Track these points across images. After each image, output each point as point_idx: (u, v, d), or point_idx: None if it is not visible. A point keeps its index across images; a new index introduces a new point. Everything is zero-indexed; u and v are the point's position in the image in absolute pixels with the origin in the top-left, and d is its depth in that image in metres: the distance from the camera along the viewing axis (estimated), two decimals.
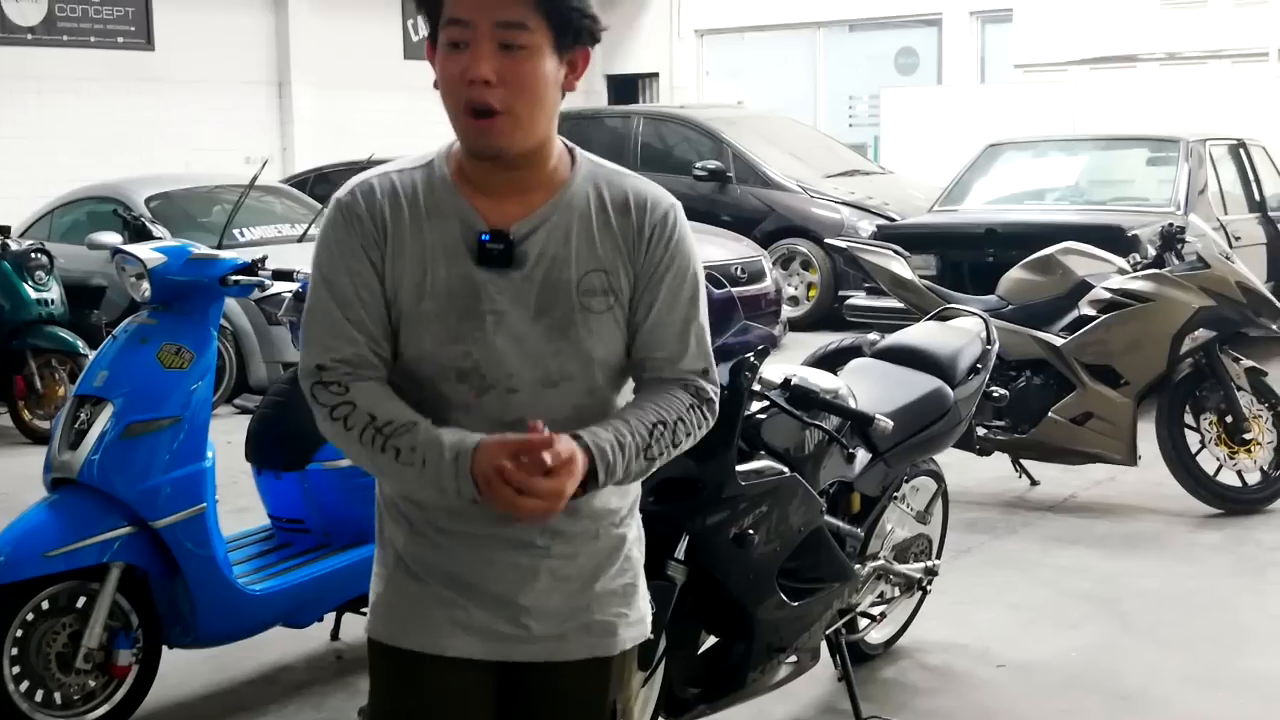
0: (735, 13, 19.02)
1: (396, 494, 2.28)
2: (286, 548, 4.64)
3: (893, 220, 11.70)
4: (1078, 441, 6.65)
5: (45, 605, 4.02)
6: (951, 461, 6.85)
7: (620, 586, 2.34)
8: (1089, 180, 10.68)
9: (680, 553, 3.45)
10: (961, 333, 4.81)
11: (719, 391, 2.33)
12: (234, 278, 4.20)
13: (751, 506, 3.50)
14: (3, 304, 8.59)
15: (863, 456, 4.11)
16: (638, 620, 2.37)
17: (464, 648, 2.26)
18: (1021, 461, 7.01)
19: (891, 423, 3.65)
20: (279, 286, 4.31)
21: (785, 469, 3.61)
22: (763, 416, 3.69)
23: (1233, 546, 6.14)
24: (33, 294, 8.55)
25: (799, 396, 3.59)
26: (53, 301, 8.60)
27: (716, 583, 3.55)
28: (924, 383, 4.44)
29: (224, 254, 4.32)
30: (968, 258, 9.35)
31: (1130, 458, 6.65)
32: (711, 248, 11.20)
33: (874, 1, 18.03)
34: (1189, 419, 6.66)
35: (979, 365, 4.72)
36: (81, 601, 4.05)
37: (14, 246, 8.69)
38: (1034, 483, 7.07)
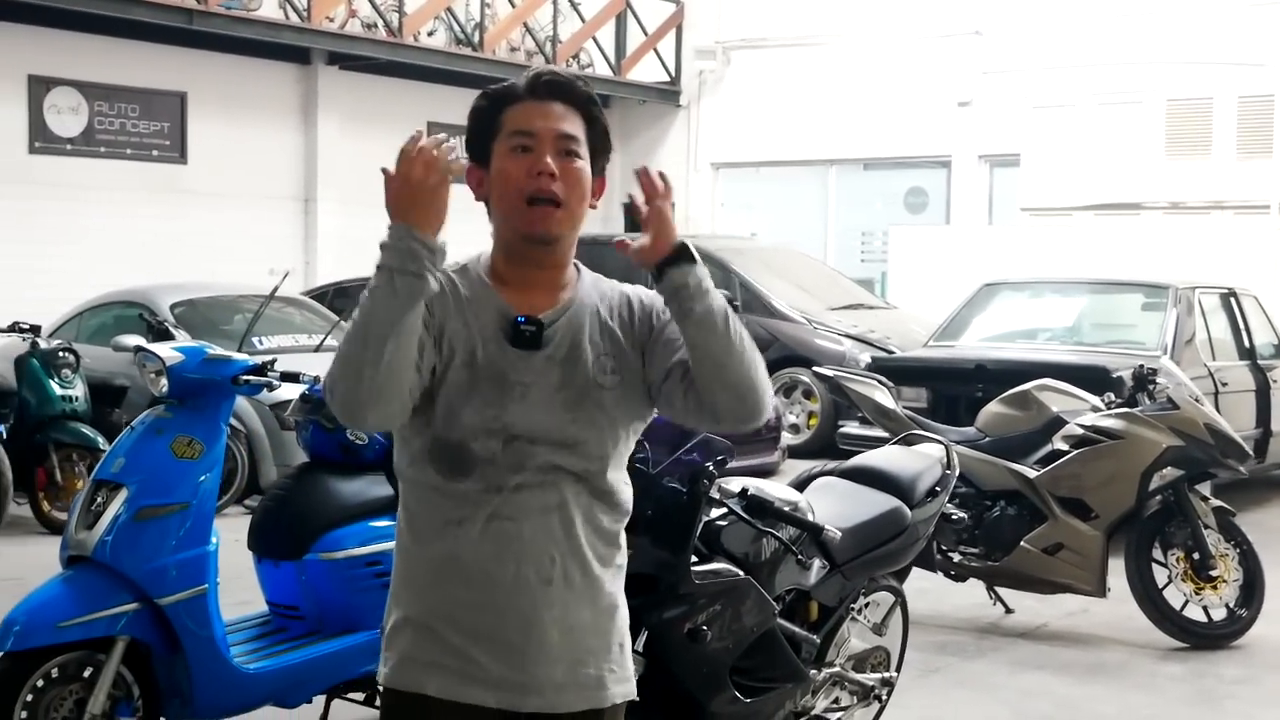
0: (751, 148, 19.58)
1: (419, 551, 2.57)
2: (282, 632, 4.92)
3: (891, 354, 12.04)
4: (1049, 571, 6.89)
5: (55, 673, 4.31)
6: (929, 587, 7.17)
7: (615, 644, 2.65)
8: (1081, 322, 11.02)
9: (639, 645, 3.74)
10: (923, 457, 5.12)
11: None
12: (245, 377, 4.56)
13: (706, 604, 3.80)
14: (29, 399, 8.97)
15: (820, 567, 4.40)
16: (625, 678, 2.68)
17: (477, 696, 2.53)
18: (996, 589, 7.26)
19: (839, 533, 3.96)
20: (287, 388, 4.65)
21: (740, 572, 3.92)
22: (723, 524, 4.00)
23: (1193, 679, 6.36)
24: (58, 390, 8.93)
25: (754, 505, 3.91)
26: (77, 398, 8.98)
27: (673, 675, 3.83)
28: (883, 501, 4.74)
29: (237, 355, 4.68)
30: (958, 391, 9.66)
31: (1100, 589, 6.88)
32: None
33: (885, 142, 18.55)
34: (1157, 554, 6.89)
35: (938, 488, 5.02)
36: (88, 671, 4.34)
37: (43, 345, 9.09)
38: (1008, 610, 7.30)
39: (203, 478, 4.51)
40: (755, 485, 4.06)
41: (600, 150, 2.64)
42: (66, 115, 14.77)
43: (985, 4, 17.74)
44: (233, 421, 9.58)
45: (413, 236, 2.40)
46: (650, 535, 3.65)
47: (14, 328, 9.16)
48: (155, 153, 15.51)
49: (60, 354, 9.03)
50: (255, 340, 10.74)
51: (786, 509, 4.03)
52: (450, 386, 2.53)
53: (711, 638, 3.81)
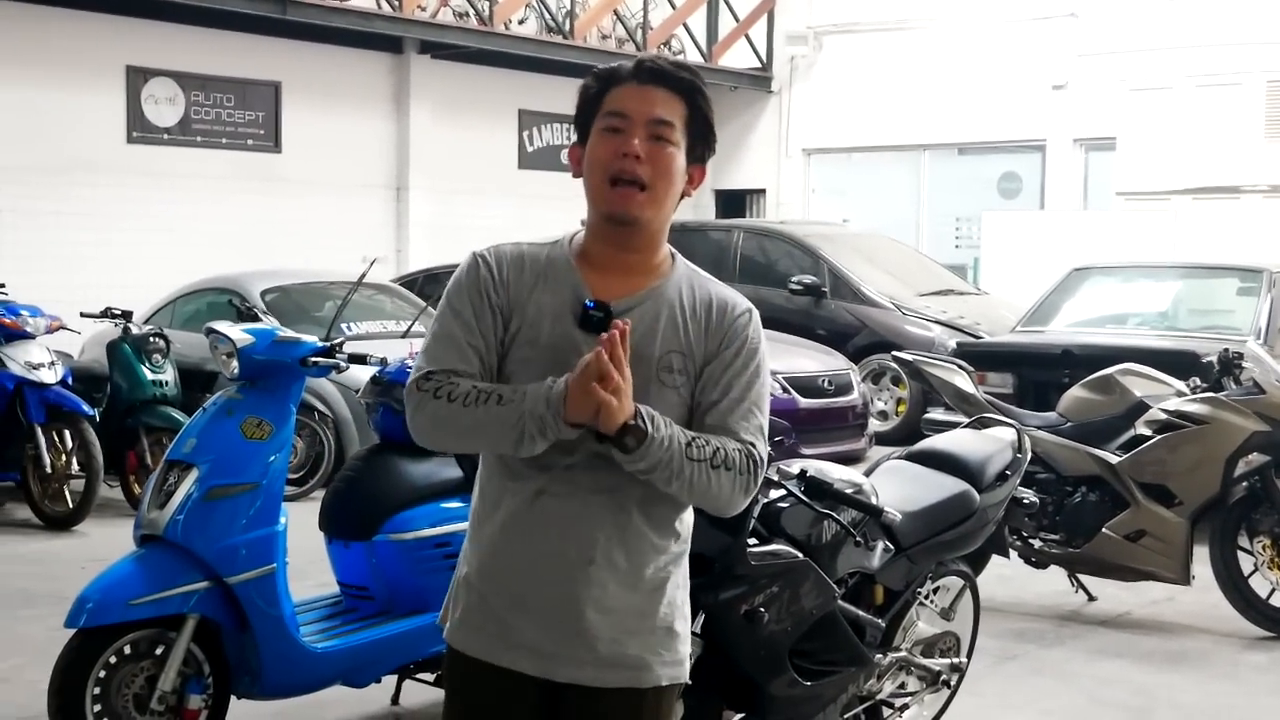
0: (842, 133, 19.45)
1: (477, 526, 2.67)
2: (352, 612, 4.99)
3: (979, 339, 11.91)
4: (1131, 559, 6.78)
5: (127, 650, 4.40)
6: (1010, 573, 7.10)
7: (660, 627, 2.67)
8: (1173, 307, 10.81)
9: (697, 626, 3.74)
10: (993, 440, 5.06)
11: (764, 466, 2.67)
12: (313, 359, 4.62)
13: (763, 586, 3.78)
14: (121, 383, 9.15)
15: (884, 550, 4.37)
16: (674, 661, 2.70)
17: (515, 661, 2.62)
18: (1078, 576, 7.16)
19: (899, 515, 3.92)
20: (355, 370, 4.70)
21: (799, 554, 3.90)
22: (784, 506, 3.98)
23: (1277, 669, 6.24)
24: (149, 375, 9.11)
25: (813, 487, 3.89)
26: (167, 383, 9.15)
27: (730, 657, 3.82)
28: (950, 485, 4.69)
29: (305, 337, 4.74)
30: (1045, 377, 9.53)
31: (1183, 577, 6.76)
32: (802, 359, 11.50)
33: (979, 126, 18.33)
34: (1243, 541, 6.77)
35: (1008, 472, 4.96)
36: (160, 649, 4.43)
37: (134, 331, 9.27)
38: (1091, 598, 7.20)
39: (272, 458, 4.57)
40: (815, 467, 4.03)
41: (700, 140, 2.66)
42: (164, 105, 15.03)
43: None
44: (319, 405, 9.81)
45: (561, 427, 2.50)
46: (706, 516, 3.64)
47: (107, 313, 9.34)
48: (250, 142, 15.74)
49: (151, 339, 9.21)
50: (344, 326, 10.87)
51: (847, 491, 4.01)
52: (514, 360, 2.60)
53: (769, 619, 3.79)
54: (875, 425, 12.06)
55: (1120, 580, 7.01)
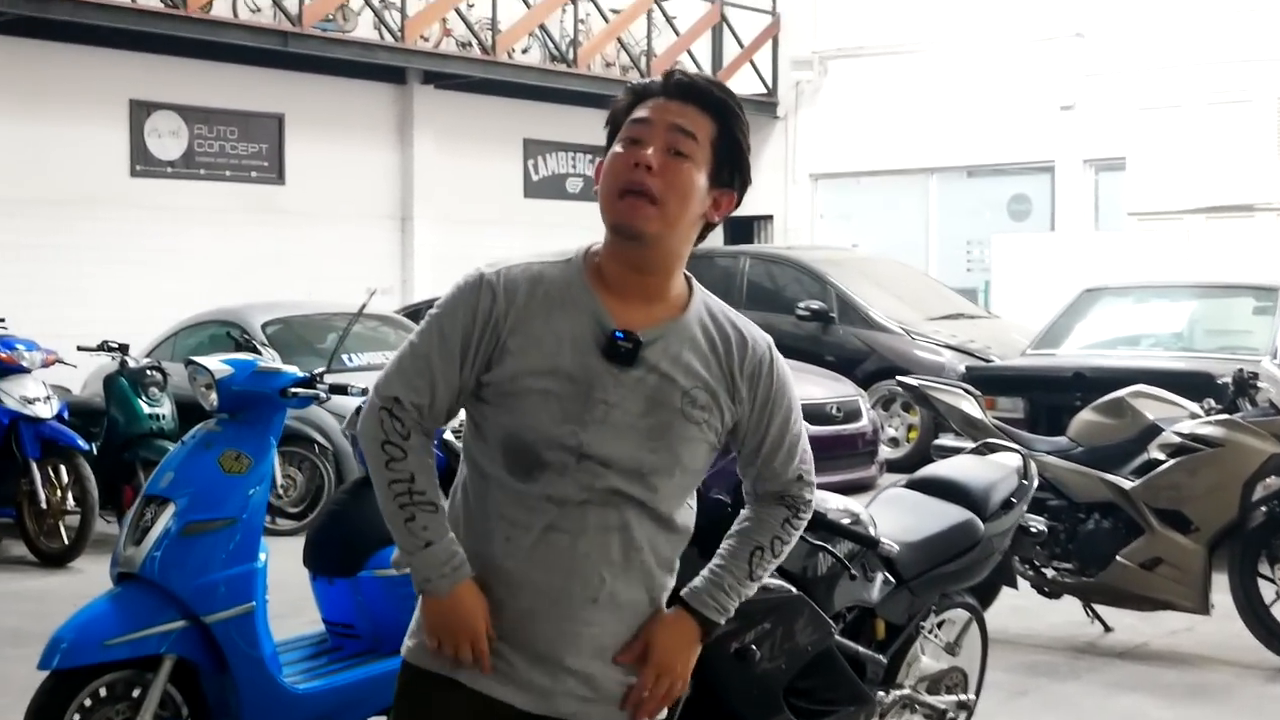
0: (849, 158, 19.33)
1: (468, 543, 2.52)
2: (337, 651, 4.84)
3: (989, 363, 11.75)
4: (1147, 587, 6.59)
5: (103, 692, 4.24)
6: (1024, 604, 6.92)
7: None
8: (1187, 327, 10.65)
9: None
10: (998, 467, 4.90)
11: (813, 489, 2.67)
12: (293, 390, 4.48)
13: (753, 622, 3.62)
14: (118, 417, 9.04)
15: (884, 583, 4.21)
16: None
17: (506, 694, 2.49)
18: (1093, 606, 6.97)
19: (897, 546, 3.76)
20: (337, 400, 4.56)
21: (791, 588, 3.73)
22: None
23: None
24: (146, 409, 9.00)
25: None
26: (164, 417, 9.03)
27: (721, 698, 3.66)
28: (953, 514, 4.53)
29: (285, 367, 4.61)
30: (1056, 401, 9.36)
31: (1202, 606, 6.56)
32: (810, 386, 11.34)
33: (987, 148, 18.20)
34: (1264, 568, 6.58)
35: (1014, 499, 4.80)
36: (136, 691, 4.27)
37: (131, 364, 9.16)
38: (1107, 629, 7.01)
39: (251, 492, 4.43)
40: None
41: (727, 162, 2.50)
42: (167, 139, 14.98)
43: (1087, 5, 17.34)
44: (318, 438, 9.68)
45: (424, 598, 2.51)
46: (694, 549, 3.49)
47: (103, 346, 9.24)
48: (254, 174, 15.68)
49: (148, 372, 9.11)
50: (345, 357, 10.76)
51: (842, 521, 3.85)
52: (530, 391, 2.43)
53: (761, 657, 3.63)
54: (886, 452, 11.90)
55: (1137, 610, 6.82)
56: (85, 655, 4.19)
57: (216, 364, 4.51)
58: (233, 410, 4.51)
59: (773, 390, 2.57)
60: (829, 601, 3.92)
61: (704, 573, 2.60)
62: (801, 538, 3.72)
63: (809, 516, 2.68)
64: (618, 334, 2.42)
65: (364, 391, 4.88)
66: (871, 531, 3.97)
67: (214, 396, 4.48)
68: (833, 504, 3.99)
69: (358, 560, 4.74)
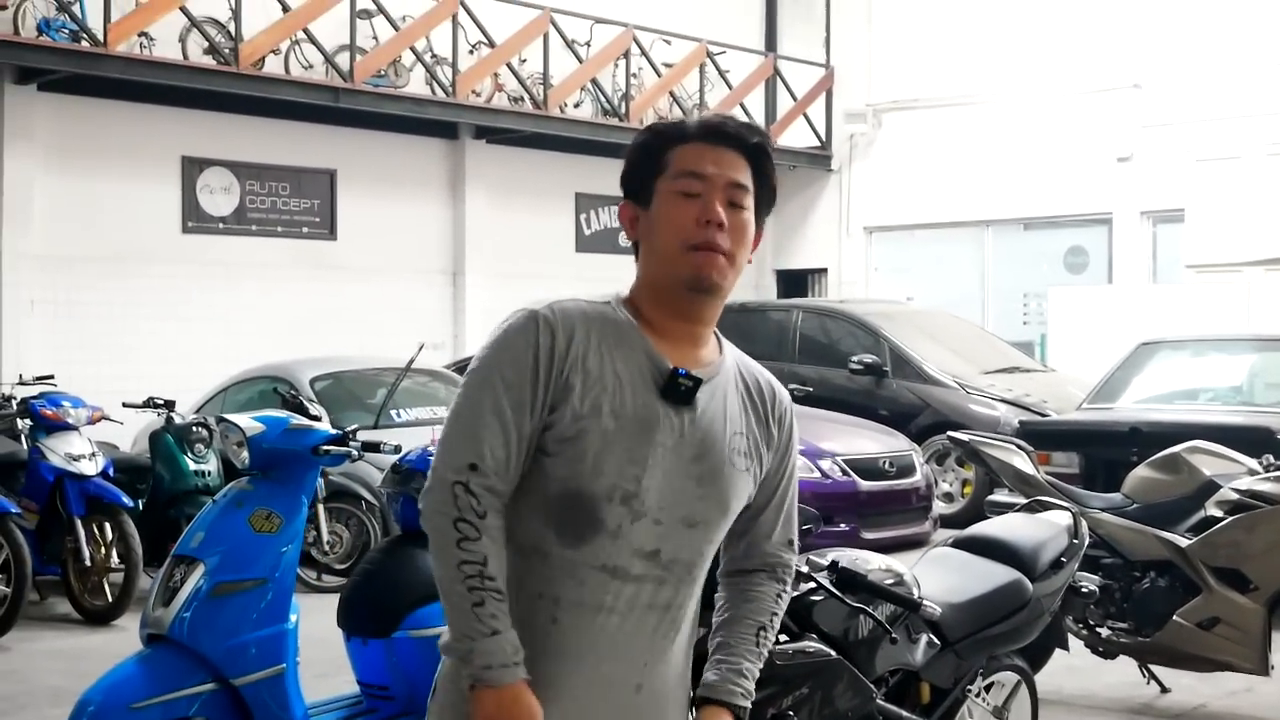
0: (904, 211, 19.21)
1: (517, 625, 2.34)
2: (372, 713, 4.75)
3: (1046, 417, 11.56)
4: (1204, 648, 6.40)
5: None
6: (1080, 664, 6.75)
7: None
8: (1246, 381, 10.44)
9: None
10: (1047, 525, 4.76)
11: (796, 556, 2.60)
12: (325, 447, 4.42)
13: (791, 687, 3.51)
14: (163, 474, 9.04)
15: (929, 645, 4.08)
16: None
17: None
18: (1149, 667, 6.78)
19: (939, 609, 3.64)
20: (370, 458, 4.50)
21: (831, 651, 3.62)
22: (816, 599, 3.72)
23: None
24: (191, 465, 9.00)
25: (845, 579, 3.62)
26: (209, 473, 9.02)
27: None
28: (1001, 574, 4.40)
29: (318, 425, 4.55)
30: (1113, 456, 9.17)
31: (1262, 667, 6.36)
32: (863, 441, 11.22)
33: (1043, 200, 18.03)
34: None
35: (1064, 559, 4.66)
36: None
37: (177, 420, 9.17)
38: (1164, 689, 6.82)
39: (283, 551, 4.39)
40: (850, 556, 3.76)
41: (764, 203, 2.47)
42: (219, 195, 15.07)
43: (1143, 56, 17.17)
44: (365, 494, 9.64)
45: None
46: None
47: (149, 403, 9.25)
48: (305, 229, 15.75)
49: (194, 429, 9.11)
50: (394, 413, 10.75)
51: (884, 582, 3.73)
52: (590, 433, 2.31)
53: None
54: (940, 508, 11.74)
55: (1194, 670, 6.63)
56: (113, 718, 4.13)
57: (248, 421, 4.46)
58: (265, 468, 4.46)
59: (792, 441, 2.54)
60: (870, 665, 3.80)
61: (716, 665, 2.51)
62: (841, 599, 3.63)
63: (791, 587, 2.63)
64: (680, 371, 2.34)
65: (396, 449, 4.83)
66: (915, 593, 3.85)
67: (245, 454, 4.44)
68: (875, 564, 3.88)
69: (393, 621, 4.66)
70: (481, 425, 2.29)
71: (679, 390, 2.34)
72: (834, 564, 3.66)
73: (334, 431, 4.51)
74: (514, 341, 2.33)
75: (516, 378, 2.31)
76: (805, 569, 3.59)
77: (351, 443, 4.49)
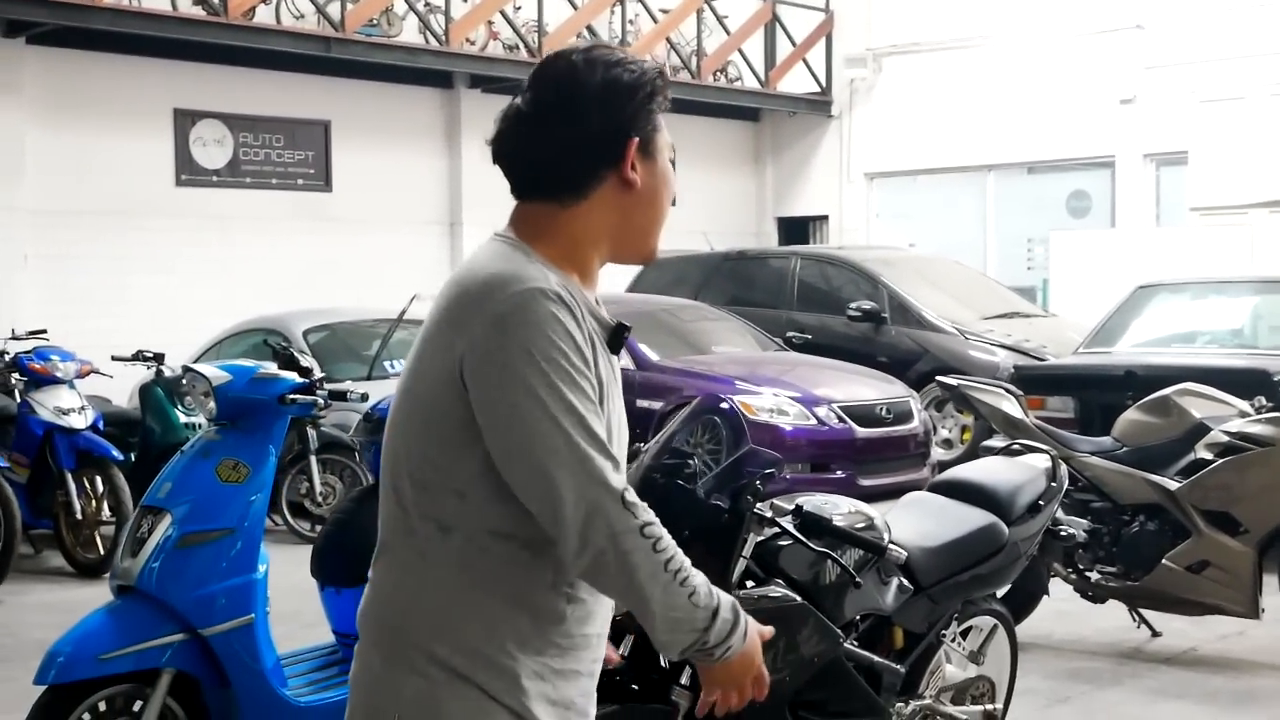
0: (905, 156, 19.06)
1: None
2: (347, 663, 4.70)
3: (1043, 361, 11.49)
4: (1194, 591, 6.37)
5: (102, 707, 4.17)
6: (1069, 609, 6.73)
7: None
8: (1246, 324, 10.35)
9: (685, 679, 3.43)
10: (1025, 468, 4.71)
11: None
12: (292, 396, 4.37)
13: None
14: (154, 427, 9.02)
15: (900, 589, 4.03)
16: None
17: None
18: (1139, 611, 6.76)
19: (905, 552, 3.59)
20: (337, 406, 4.45)
21: (795, 596, 3.57)
22: (783, 544, 3.67)
23: None
24: (182, 418, 8.97)
25: (809, 524, 3.56)
26: (200, 426, 8.97)
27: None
28: (976, 518, 4.35)
29: (284, 374, 4.50)
30: (1108, 400, 9.10)
31: (1252, 610, 6.33)
32: (860, 387, 11.14)
33: (1046, 144, 17.86)
34: None
35: (1041, 502, 4.60)
36: (137, 705, 4.19)
37: (167, 373, 9.13)
38: (1154, 633, 6.80)
39: (251, 500, 4.34)
40: (815, 501, 3.71)
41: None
42: (212, 147, 14.98)
43: None
44: (357, 444, 9.59)
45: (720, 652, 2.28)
46: (691, 558, 3.34)
47: (138, 356, 9.21)
48: (300, 181, 15.66)
49: (183, 382, 9.03)
50: (387, 364, 10.72)
51: (854, 525, 3.68)
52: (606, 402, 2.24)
53: None
54: (939, 454, 11.66)
55: (1184, 614, 6.60)
56: (82, 669, 4.11)
57: (214, 371, 4.42)
58: (232, 418, 4.42)
59: None
60: (839, 610, 3.76)
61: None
62: (806, 544, 3.58)
63: None
64: (625, 324, 2.27)
65: (363, 397, 4.78)
66: (884, 537, 3.81)
67: (212, 404, 4.39)
68: (844, 508, 3.83)
69: (365, 569, 4.61)
70: (591, 421, 2.15)
71: (620, 341, 2.28)
72: (798, 508, 3.61)
73: (300, 380, 4.46)
74: (557, 331, 2.14)
75: (584, 365, 2.17)
76: (769, 514, 3.53)
77: (318, 391, 4.45)
